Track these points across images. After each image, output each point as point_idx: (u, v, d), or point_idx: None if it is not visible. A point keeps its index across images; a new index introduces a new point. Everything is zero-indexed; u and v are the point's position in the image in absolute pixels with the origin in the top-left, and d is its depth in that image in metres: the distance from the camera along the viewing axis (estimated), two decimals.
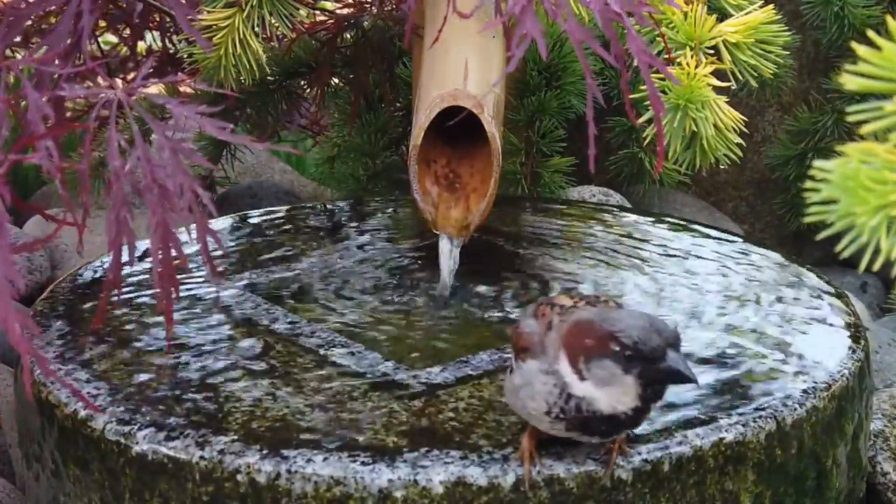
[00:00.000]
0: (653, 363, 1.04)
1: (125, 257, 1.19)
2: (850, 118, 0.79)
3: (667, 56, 1.59)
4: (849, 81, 0.78)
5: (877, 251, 0.77)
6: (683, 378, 1.05)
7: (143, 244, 1.53)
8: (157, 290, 1.23)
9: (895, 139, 0.78)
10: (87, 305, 1.47)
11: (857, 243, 0.77)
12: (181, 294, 1.49)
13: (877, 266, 0.77)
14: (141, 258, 1.57)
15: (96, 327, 1.38)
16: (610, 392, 1.06)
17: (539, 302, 1.18)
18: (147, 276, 1.54)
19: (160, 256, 1.18)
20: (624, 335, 1.04)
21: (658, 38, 1.61)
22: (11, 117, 1.20)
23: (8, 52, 1.37)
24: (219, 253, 1.60)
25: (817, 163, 0.79)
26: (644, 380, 1.05)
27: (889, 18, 0.82)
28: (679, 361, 1.04)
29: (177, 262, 1.20)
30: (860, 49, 0.78)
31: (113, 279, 1.21)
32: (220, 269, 1.57)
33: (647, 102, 1.55)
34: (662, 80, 1.51)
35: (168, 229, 1.17)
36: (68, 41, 1.27)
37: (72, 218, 1.22)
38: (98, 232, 1.95)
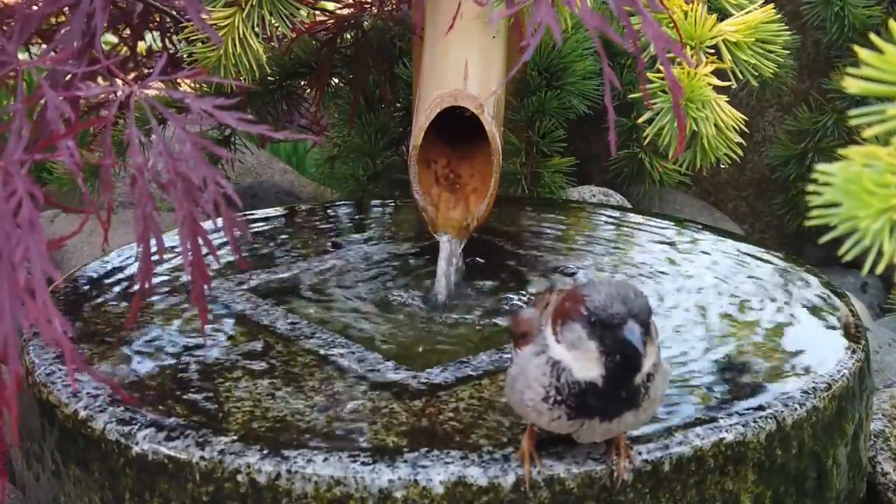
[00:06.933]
0: (611, 330, 1.04)
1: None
2: (853, 121, 0.79)
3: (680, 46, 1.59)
4: (851, 85, 0.78)
5: (879, 254, 0.77)
6: (632, 348, 1.04)
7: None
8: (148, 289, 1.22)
9: None
10: (88, 305, 1.47)
11: (859, 246, 0.77)
12: (181, 295, 1.49)
13: (879, 269, 0.77)
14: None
15: (131, 324, 1.38)
16: (577, 356, 1.06)
17: (540, 296, 1.19)
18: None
19: (189, 250, 1.17)
20: (590, 299, 1.05)
21: (665, 30, 1.61)
22: (29, 119, 1.19)
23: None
24: (221, 253, 1.60)
25: (819, 166, 0.79)
26: (605, 347, 1.05)
27: (891, 21, 0.82)
28: (633, 332, 1.04)
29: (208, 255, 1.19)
30: (862, 52, 0.78)
31: (143, 276, 1.20)
32: (216, 271, 1.57)
33: (646, 102, 1.56)
34: (663, 79, 1.51)
35: (196, 222, 1.17)
36: (80, 41, 1.27)
37: (94, 215, 1.21)
38: (99, 232, 1.95)
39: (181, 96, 1.20)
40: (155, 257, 1.20)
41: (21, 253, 1.09)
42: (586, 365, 1.06)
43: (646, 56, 1.50)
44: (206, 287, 1.19)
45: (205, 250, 1.18)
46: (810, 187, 0.79)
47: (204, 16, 1.45)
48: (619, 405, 1.08)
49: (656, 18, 1.52)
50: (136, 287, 1.20)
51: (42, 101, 1.17)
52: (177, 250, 1.41)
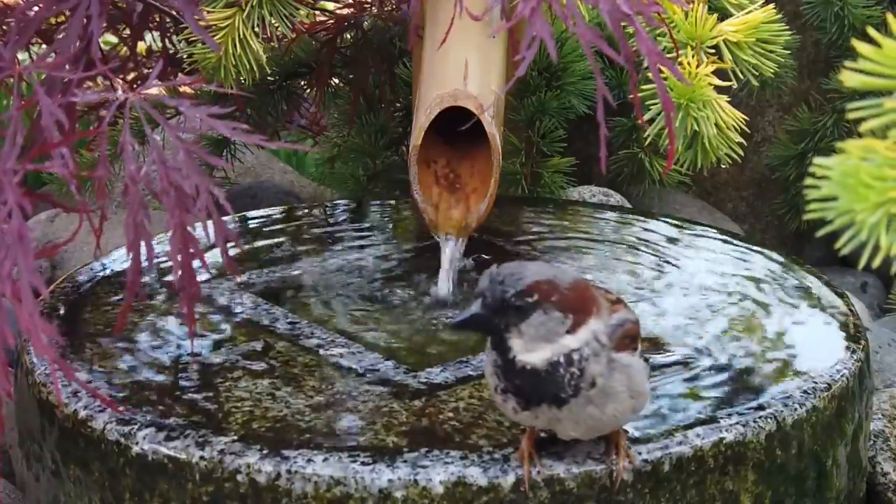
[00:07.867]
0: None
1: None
2: (850, 115, 0.78)
3: (675, 55, 1.59)
4: (849, 78, 0.78)
5: (876, 248, 0.77)
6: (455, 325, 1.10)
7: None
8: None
9: (895, 136, 0.78)
10: (87, 306, 1.47)
11: (856, 240, 0.77)
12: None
13: (876, 263, 0.77)
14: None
15: (119, 331, 1.38)
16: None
17: None
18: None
19: (180, 259, 1.17)
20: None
21: (660, 37, 1.61)
22: (26, 124, 1.19)
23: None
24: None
25: (817, 160, 0.79)
26: None
27: (890, 16, 0.82)
28: (466, 310, 1.07)
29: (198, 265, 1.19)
30: (861, 46, 0.78)
31: (133, 282, 1.20)
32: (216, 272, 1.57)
33: (647, 102, 1.56)
34: (665, 79, 1.51)
35: (186, 231, 1.17)
36: (77, 45, 1.27)
37: (87, 222, 1.21)
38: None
39: (176, 103, 1.20)
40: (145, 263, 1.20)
41: (9, 266, 1.09)
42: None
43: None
44: (195, 295, 1.19)
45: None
46: (808, 181, 0.78)
47: (199, 19, 1.45)
48: (535, 389, 1.07)
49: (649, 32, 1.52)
50: (128, 294, 1.20)
51: (38, 107, 1.17)
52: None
